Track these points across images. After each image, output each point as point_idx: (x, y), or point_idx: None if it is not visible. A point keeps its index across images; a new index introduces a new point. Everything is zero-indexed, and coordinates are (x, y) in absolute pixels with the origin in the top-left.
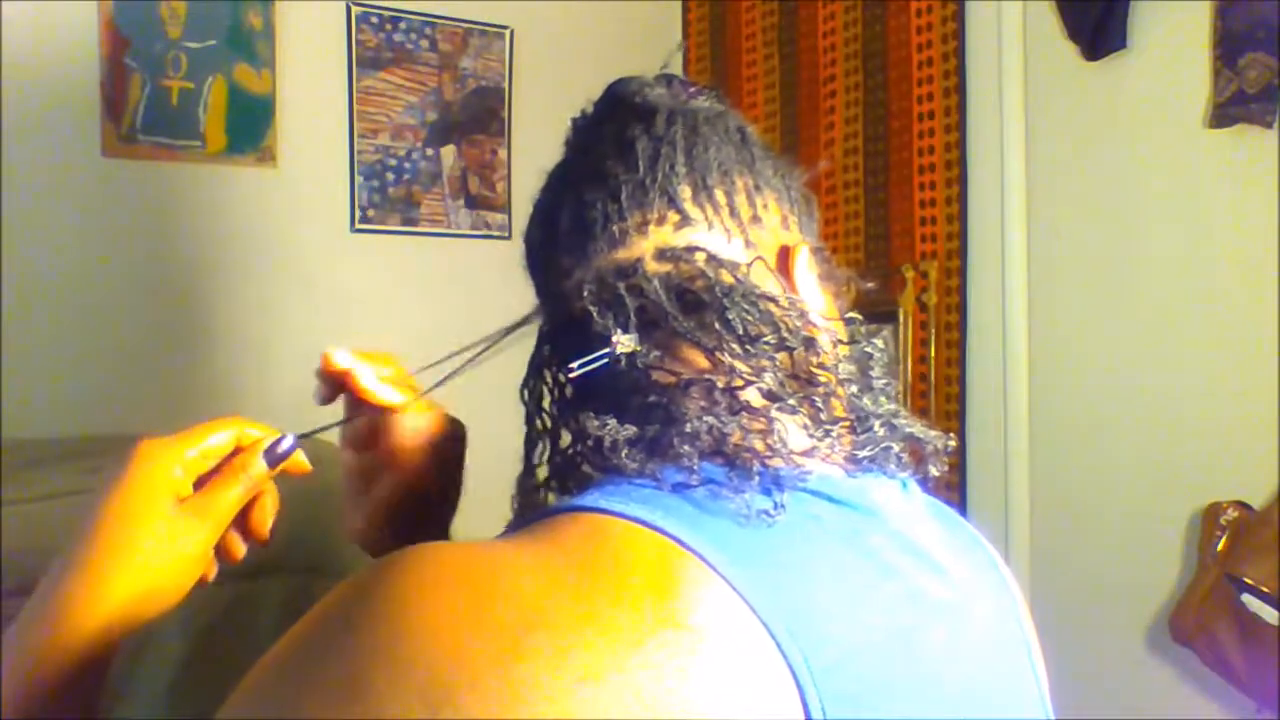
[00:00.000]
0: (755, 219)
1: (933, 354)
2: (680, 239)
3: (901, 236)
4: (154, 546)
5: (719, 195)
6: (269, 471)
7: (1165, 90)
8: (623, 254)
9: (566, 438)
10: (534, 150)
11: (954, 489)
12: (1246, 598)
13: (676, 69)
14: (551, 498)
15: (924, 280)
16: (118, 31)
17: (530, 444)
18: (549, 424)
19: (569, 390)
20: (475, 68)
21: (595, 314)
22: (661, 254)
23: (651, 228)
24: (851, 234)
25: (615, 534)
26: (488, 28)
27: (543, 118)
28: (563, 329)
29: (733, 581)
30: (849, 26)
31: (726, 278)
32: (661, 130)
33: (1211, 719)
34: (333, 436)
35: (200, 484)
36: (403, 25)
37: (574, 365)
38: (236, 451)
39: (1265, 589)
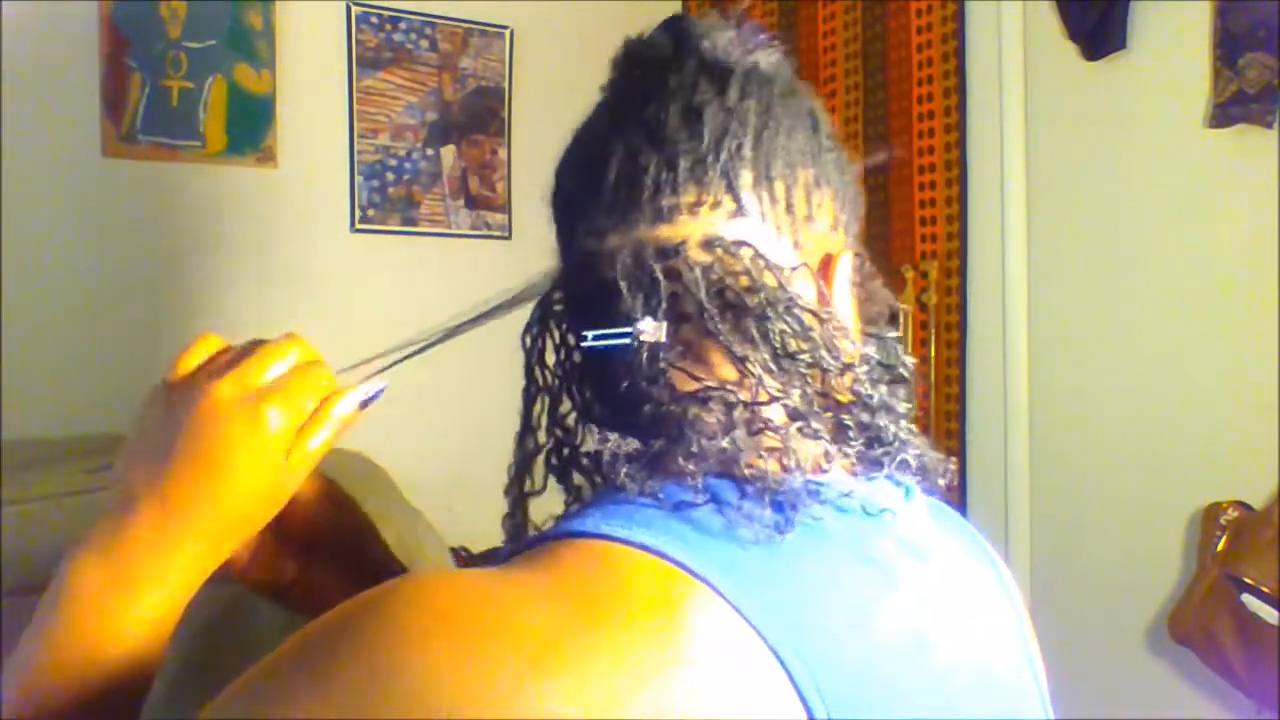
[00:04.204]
0: (809, 219)
1: (933, 354)
2: (730, 230)
3: (901, 236)
4: (260, 500)
5: (779, 188)
6: (357, 417)
7: (1165, 90)
8: (667, 231)
9: (566, 404)
10: (534, 150)
11: (954, 489)
12: (1246, 598)
13: None
14: (550, 496)
15: (924, 280)
16: (118, 31)
17: (529, 399)
18: (551, 381)
19: (577, 356)
20: (475, 68)
21: (625, 291)
22: (709, 242)
23: (704, 210)
24: None
25: (619, 563)
26: (488, 28)
27: (543, 118)
28: (583, 291)
29: (740, 608)
30: (849, 26)
31: (770, 280)
32: (734, 100)
33: (1211, 719)
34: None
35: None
36: (403, 25)
37: (589, 335)
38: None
39: (1265, 589)
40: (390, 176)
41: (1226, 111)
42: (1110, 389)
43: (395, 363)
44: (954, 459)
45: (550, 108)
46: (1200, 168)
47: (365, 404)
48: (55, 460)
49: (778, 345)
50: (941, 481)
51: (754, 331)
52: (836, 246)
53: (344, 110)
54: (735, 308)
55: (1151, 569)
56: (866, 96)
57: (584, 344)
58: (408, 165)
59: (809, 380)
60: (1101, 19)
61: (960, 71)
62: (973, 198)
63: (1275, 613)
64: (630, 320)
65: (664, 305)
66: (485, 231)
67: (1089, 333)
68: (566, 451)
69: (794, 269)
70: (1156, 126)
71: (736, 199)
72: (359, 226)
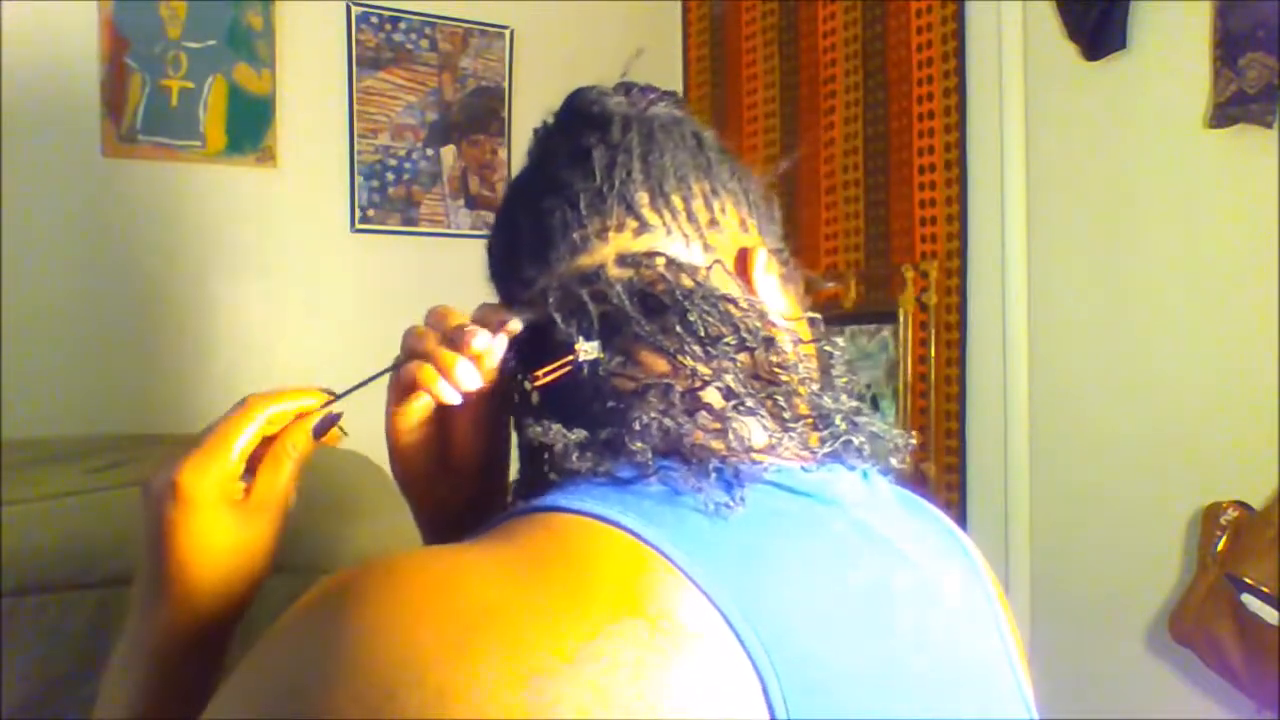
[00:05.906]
0: (713, 223)
1: (933, 354)
2: (640, 245)
3: (901, 236)
4: (230, 563)
5: (676, 201)
6: (314, 445)
7: (1165, 90)
8: (585, 260)
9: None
10: None
11: (954, 489)
12: (1246, 598)
13: (648, 72)
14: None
15: (924, 280)
16: (118, 31)
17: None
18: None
19: (535, 398)
20: (475, 68)
21: (559, 321)
22: (623, 259)
23: (611, 234)
24: (851, 234)
25: (571, 530)
26: (488, 28)
27: (543, 118)
28: (529, 338)
29: (693, 575)
30: (849, 26)
31: (686, 281)
32: (617, 138)
33: (1211, 719)
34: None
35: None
36: (403, 25)
37: (539, 374)
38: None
39: (1265, 589)
40: (390, 176)
41: (1226, 111)
42: (1110, 389)
43: (349, 390)
44: (953, 458)
45: (550, 108)
46: (1200, 168)
47: (319, 434)
48: (55, 460)
49: (701, 333)
50: (895, 461)
51: (678, 326)
52: (751, 243)
53: (344, 110)
54: (658, 310)
55: (1151, 569)
56: (866, 96)
57: (537, 384)
58: (408, 165)
59: (740, 364)
60: (1101, 19)
61: (960, 71)
62: (973, 198)
63: (1275, 613)
64: (570, 348)
65: (595, 325)
66: (485, 231)
67: (1089, 332)
68: (534, 471)
69: (709, 267)
70: (1156, 126)
71: (638, 217)
72: (359, 226)
